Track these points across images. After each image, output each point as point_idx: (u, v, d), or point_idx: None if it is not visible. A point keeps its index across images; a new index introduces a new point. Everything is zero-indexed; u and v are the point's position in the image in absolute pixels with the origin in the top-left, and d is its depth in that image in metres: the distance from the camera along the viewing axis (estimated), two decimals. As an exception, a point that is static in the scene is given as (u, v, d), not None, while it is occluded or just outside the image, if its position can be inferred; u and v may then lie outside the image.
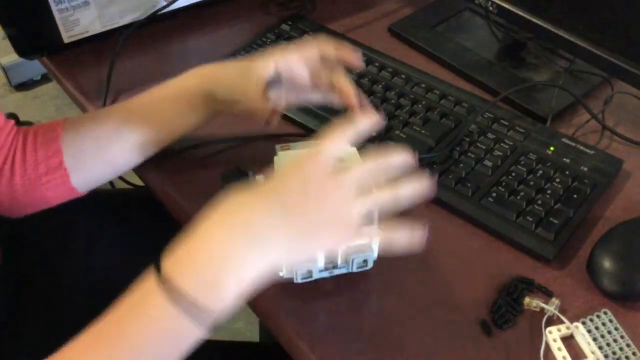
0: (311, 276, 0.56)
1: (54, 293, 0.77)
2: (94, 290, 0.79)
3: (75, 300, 0.78)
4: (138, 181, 0.80)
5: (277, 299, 0.59)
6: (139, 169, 0.72)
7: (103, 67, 0.84)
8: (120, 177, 0.87)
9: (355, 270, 0.56)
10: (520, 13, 0.78)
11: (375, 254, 0.56)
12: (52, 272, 0.78)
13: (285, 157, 0.58)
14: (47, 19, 0.81)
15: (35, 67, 2.10)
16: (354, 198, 0.49)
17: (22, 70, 2.11)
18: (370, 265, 0.57)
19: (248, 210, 0.47)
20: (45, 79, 2.17)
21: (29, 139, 0.67)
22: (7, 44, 0.82)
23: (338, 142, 0.49)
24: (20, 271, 0.75)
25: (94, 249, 0.82)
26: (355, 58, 0.65)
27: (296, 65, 0.64)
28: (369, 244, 0.55)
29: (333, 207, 0.48)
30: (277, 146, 0.60)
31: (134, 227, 0.85)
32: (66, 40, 0.84)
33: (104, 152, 0.67)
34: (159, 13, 0.87)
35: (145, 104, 0.67)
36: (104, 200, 0.86)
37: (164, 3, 0.87)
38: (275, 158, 0.58)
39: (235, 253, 0.46)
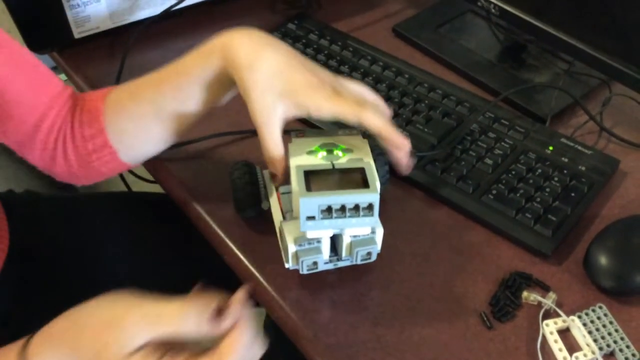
0: (316, 268, 0.57)
1: (58, 292, 0.78)
2: (100, 291, 0.81)
3: (79, 300, 0.79)
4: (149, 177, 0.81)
5: (282, 289, 0.61)
6: (147, 161, 0.74)
7: (113, 63, 0.85)
8: (132, 173, 0.88)
9: (359, 262, 0.58)
10: (522, 15, 0.79)
11: (379, 247, 0.58)
12: (59, 270, 0.79)
13: (300, 145, 0.60)
14: (58, 14, 0.83)
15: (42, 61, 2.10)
16: None
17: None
18: (374, 257, 0.58)
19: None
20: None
21: (76, 115, 0.67)
22: (15, 37, 0.83)
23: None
24: (26, 268, 0.76)
25: (102, 251, 0.83)
26: (401, 141, 0.59)
27: (325, 118, 0.58)
28: (373, 237, 0.57)
29: None
30: (292, 133, 0.62)
31: (143, 232, 0.86)
32: (76, 35, 0.86)
33: (144, 131, 0.66)
34: (169, 10, 0.89)
35: (174, 77, 0.63)
36: (113, 202, 0.87)
37: (175, 0, 0.89)
38: (290, 145, 0.60)
39: None
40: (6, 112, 0.62)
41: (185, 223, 0.73)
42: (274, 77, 0.57)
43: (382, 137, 0.58)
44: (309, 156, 0.58)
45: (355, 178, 0.55)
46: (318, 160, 0.57)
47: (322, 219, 0.53)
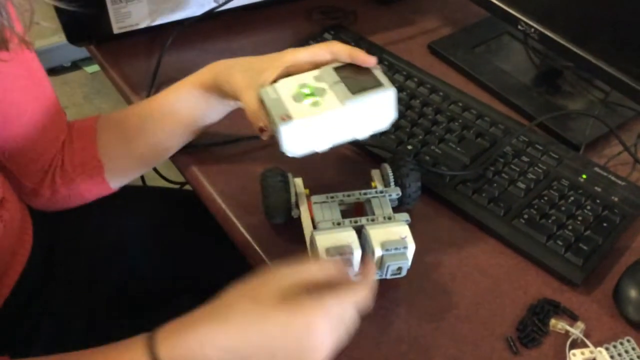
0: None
1: (78, 285, 0.78)
2: (120, 282, 0.81)
3: (100, 291, 0.79)
4: (179, 177, 0.81)
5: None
6: (178, 163, 0.74)
7: (149, 60, 0.86)
8: (157, 172, 0.89)
9: (388, 277, 0.58)
10: (562, 41, 0.79)
11: (410, 263, 0.58)
12: (79, 264, 0.79)
13: (282, 90, 0.60)
14: (100, 9, 0.83)
15: (65, 54, 2.12)
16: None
17: (53, 56, 2.13)
18: (404, 273, 0.58)
19: (250, 335, 0.47)
20: (74, 66, 2.20)
21: (67, 138, 0.70)
22: (39, 28, 0.84)
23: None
24: (49, 255, 0.77)
25: (125, 244, 0.83)
26: (369, 59, 0.63)
27: (307, 68, 0.64)
28: (404, 252, 0.57)
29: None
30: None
31: (166, 227, 0.86)
32: (115, 30, 0.87)
33: (132, 148, 0.71)
34: (209, 12, 0.89)
35: (165, 100, 0.70)
36: (139, 197, 0.87)
37: (214, 4, 0.89)
38: (266, 94, 0.60)
39: None
40: (12, 138, 0.64)
41: (207, 219, 0.73)
42: (250, 64, 0.65)
43: (354, 58, 0.62)
44: (297, 103, 0.59)
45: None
46: (306, 107, 0.58)
47: None
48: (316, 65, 0.63)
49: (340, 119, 0.58)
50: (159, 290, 0.84)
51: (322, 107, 0.58)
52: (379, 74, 0.60)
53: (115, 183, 0.72)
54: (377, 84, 0.59)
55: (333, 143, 0.59)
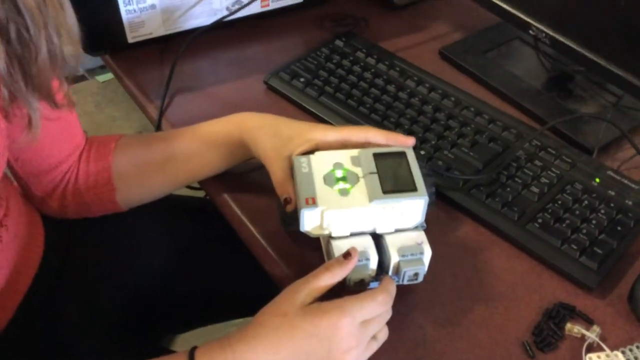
0: (363, 285, 0.58)
1: (93, 284, 0.79)
2: (134, 289, 0.81)
3: (114, 295, 0.80)
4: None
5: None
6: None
7: (163, 69, 0.87)
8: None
9: (405, 282, 0.58)
10: (573, 46, 0.79)
11: (426, 268, 0.58)
12: (93, 271, 0.80)
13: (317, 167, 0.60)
14: (114, 18, 0.84)
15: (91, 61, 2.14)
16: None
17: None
18: (420, 278, 0.58)
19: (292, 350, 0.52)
20: (86, 75, 2.22)
21: (84, 153, 0.71)
22: None
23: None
24: (63, 257, 0.77)
25: (140, 250, 0.84)
26: (407, 140, 0.63)
27: (336, 147, 0.63)
28: (421, 258, 0.57)
29: None
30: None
31: (181, 235, 0.87)
32: (130, 40, 0.88)
33: (147, 180, 0.72)
34: (221, 21, 0.90)
35: (189, 145, 0.70)
36: (154, 204, 0.88)
37: (226, 12, 0.90)
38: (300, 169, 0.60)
39: None
40: (27, 148, 0.65)
41: (224, 228, 0.74)
42: (280, 127, 0.65)
43: (390, 141, 0.63)
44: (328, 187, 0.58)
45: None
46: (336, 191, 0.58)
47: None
48: (345, 146, 0.63)
49: (365, 214, 0.57)
50: (173, 298, 0.84)
51: (350, 199, 0.57)
52: (416, 174, 0.58)
53: (126, 205, 0.74)
54: (412, 188, 0.57)
55: (353, 232, 0.58)
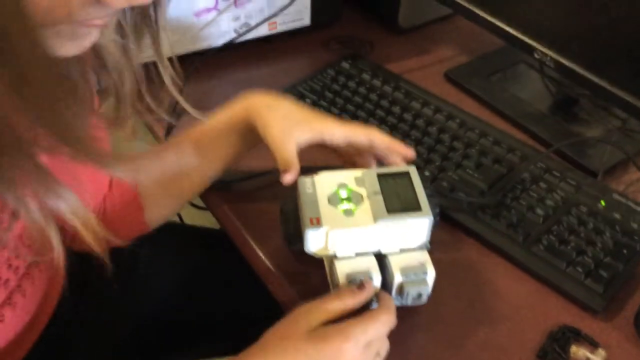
0: (365, 306, 0.57)
1: (108, 316, 0.79)
2: (142, 317, 0.81)
3: (123, 323, 0.80)
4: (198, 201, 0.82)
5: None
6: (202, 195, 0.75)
7: (169, 91, 0.87)
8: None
9: (409, 303, 0.58)
10: (578, 69, 0.80)
11: (430, 289, 0.58)
12: (104, 297, 0.79)
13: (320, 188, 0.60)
14: (123, 39, 0.85)
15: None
16: None
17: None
18: (424, 299, 0.58)
19: None
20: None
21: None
22: None
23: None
24: (81, 291, 0.77)
25: (150, 277, 0.83)
26: (408, 152, 0.65)
27: (339, 144, 0.65)
28: (424, 278, 0.57)
29: None
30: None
31: (191, 263, 0.87)
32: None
33: (170, 187, 0.71)
34: (230, 43, 0.92)
35: (201, 141, 0.69)
36: (168, 232, 0.88)
37: (234, 34, 0.91)
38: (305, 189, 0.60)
39: None
40: None
41: (234, 258, 0.74)
42: (289, 111, 0.65)
43: (391, 150, 0.65)
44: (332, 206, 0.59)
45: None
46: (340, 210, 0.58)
47: None
48: (350, 145, 0.64)
49: (370, 234, 0.57)
50: (185, 327, 0.84)
51: (354, 220, 0.57)
52: (421, 194, 0.58)
53: (154, 223, 0.73)
54: (416, 207, 0.57)
55: (357, 252, 0.58)
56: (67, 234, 0.70)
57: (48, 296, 0.69)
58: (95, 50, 0.51)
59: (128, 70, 0.52)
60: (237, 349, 0.53)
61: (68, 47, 0.42)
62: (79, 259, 0.75)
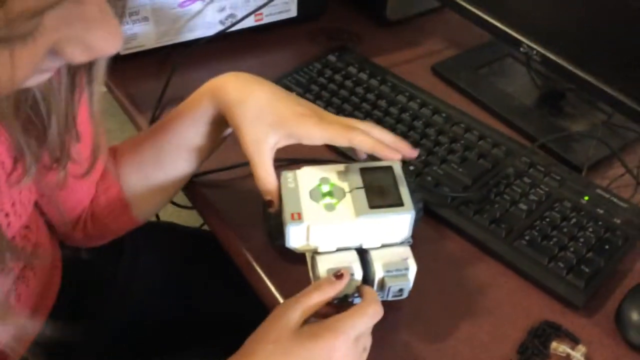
0: (347, 300, 0.57)
1: (103, 318, 0.79)
2: (129, 320, 0.80)
3: (113, 327, 0.80)
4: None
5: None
6: (184, 187, 0.75)
7: (156, 82, 0.87)
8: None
9: (390, 298, 0.58)
10: (563, 64, 0.79)
11: (411, 284, 0.58)
12: (92, 296, 0.79)
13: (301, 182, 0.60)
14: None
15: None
16: None
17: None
18: (405, 294, 0.58)
19: None
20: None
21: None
22: None
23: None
24: (79, 291, 0.77)
25: (135, 281, 0.83)
26: (393, 154, 0.61)
27: (317, 144, 0.61)
28: (405, 273, 0.57)
29: None
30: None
31: (177, 265, 0.86)
32: (122, 52, 0.88)
33: (151, 180, 0.69)
34: (216, 34, 0.91)
35: (176, 131, 0.66)
36: (151, 233, 0.86)
37: (220, 25, 0.91)
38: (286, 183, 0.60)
39: None
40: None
41: (219, 259, 0.73)
42: (262, 110, 0.60)
43: (375, 154, 0.60)
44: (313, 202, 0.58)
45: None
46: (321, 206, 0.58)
47: None
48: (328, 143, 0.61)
49: (351, 230, 0.57)
50: (171, 328, 0.83)
51: (335, 215, 0.57)
52: (403, 188, 0.58)
53: (143, 217, 0.72)
54: (398, 203, 0.56)
55: (339, 247, 0.58)
56: (61, 232, 0.70)
57: (44, 299, 0.69)
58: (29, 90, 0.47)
59: (56, 113, 0.48)
60: (228, 350, 0.52)
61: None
62: (76, 260, 0.75)
